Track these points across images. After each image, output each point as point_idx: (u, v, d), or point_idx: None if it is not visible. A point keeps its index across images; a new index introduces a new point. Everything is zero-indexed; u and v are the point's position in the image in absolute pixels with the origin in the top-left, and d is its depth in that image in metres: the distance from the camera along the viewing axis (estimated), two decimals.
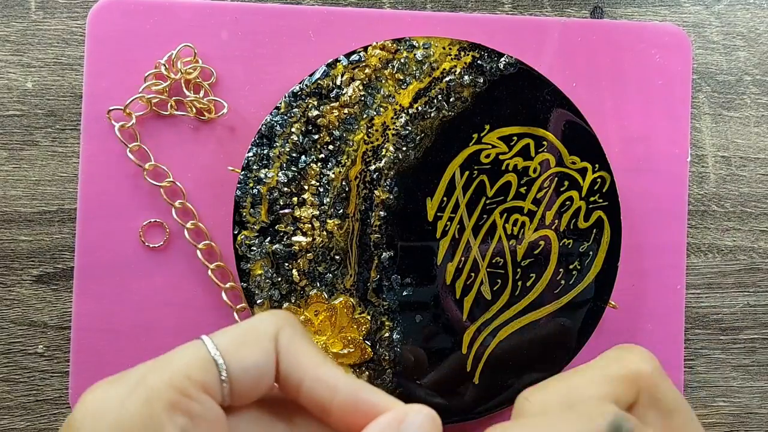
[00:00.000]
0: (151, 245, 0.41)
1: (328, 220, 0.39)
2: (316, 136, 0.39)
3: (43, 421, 0.41)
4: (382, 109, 0.39)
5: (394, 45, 0.39)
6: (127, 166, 0.41)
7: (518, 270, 0.39)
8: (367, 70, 0.39)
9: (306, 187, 0.39)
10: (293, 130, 0.39)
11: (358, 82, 0.39)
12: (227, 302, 0.40)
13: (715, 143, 0.44)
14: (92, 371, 0.40)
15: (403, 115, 0.39)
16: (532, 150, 0.39)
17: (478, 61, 0.39)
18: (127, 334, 0.40)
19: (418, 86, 0.39)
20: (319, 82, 0.39)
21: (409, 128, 0.39)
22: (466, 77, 0.39)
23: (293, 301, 0.38)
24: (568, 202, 0.40)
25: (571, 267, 0.40)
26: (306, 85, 0.39)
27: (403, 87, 0.39)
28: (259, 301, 0.38)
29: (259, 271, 0.38)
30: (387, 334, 0.39)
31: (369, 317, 0.39)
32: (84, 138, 0.41)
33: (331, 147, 0.39)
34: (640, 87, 0.43)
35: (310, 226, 0.38)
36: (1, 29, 0.42)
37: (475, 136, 0.39)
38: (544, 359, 0.39)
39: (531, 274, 0.39)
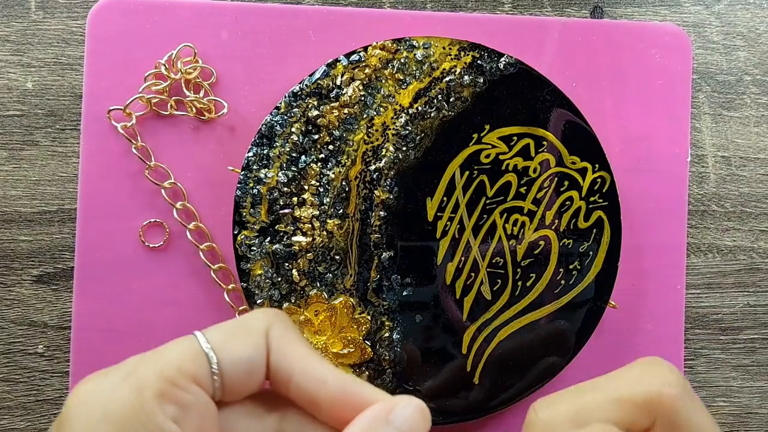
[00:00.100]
0: (151, 245, 0.41)
1: (328, 220, 0.39)
2: (316, 136, 0.39)
3: (43, 421, 0.41)
4: (382, 109, 0.39)
5: (394, 45, 0.39)
6: (127, 166, 0.40)
7: (518, 270, 0.39)
8: (367, 70, 0.39)
9: (306, 187, 0.39)
10: (293, 130, 0.39)
11: (358, 82, 0.39)
12: (230, 303, 0.40)
13: (715, 143, 0.44)
14: (92, 371, 0.40)
15: (403, 115, 0.39)
16: (532, 150, 0.39)
17: (478, 61, 0.39)
18: (127, 334, 0.40)
19: (418, 86, 0.39)
20: (319, 82, 0.39)
21: (409, 128, 0.39)
22: (466, 77, 0.39)
23: (293, 301, 0.38)
24: (568, 202, 0.40)
25: (571, 267, 0.40)
26: (306, 85, 0.39)
27: (403, 87, 0.39)
28: (259, 301, 0.38)
29: (259, 271, 0.38)
30: (387, 334, 0.39)
31: (369, 317, 0.39)
32: (84, 138, 0.41)
33: (331, 147, 0.39)
34: (640, 87, 0.43)
35: (310, 226, 0.38)
36: (1, 29, 0.42)
37: (475, 136, 0.39)
38: (545, 358, 0.39)
39: (531, 274, 0.39)
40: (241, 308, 0.40)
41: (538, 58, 0.42)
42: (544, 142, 0.39)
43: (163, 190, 0.40)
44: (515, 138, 0.39)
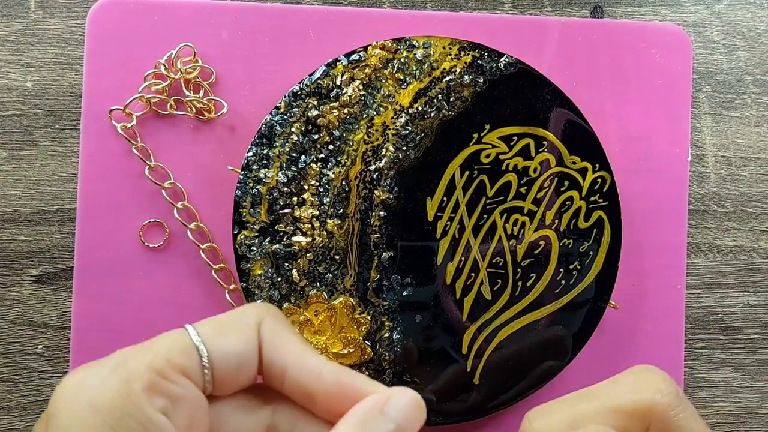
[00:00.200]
0: (150, 245, 0.41)
1: (328, 220, 0.39)
2: (316, 136, 0.39)
3: None
4: (382, 108, 0.39)
5: (394, 45, 0.39)
6: (127, 166, 0.40)
7: (518, 270, 0.39)
8: (367, 70, 0.39)
9: (306, 187, 0.39)
10: (293, 129, 0.39)
11: (358, 82, 0.39)
12: (231, 303, 0.40)
13: (716, 143, 0.44)
14: None
15: (403, 114, 0.39)
16: (532, 150, 0.39)
17: (478, 61, 0.39)
18: (127, 334, 0.40)
19: (418, 86, 0.39)
20: (319, 81, 0.39)
21: (409, 128, 0.39)
22: (466, 77, 0.39)
23: (293, 301, 0.38)
24: (568, 202, 0.40)
25: (571, 267, 0.40)
26: (306, 84, 0.39)
27: (403, 87, 0.39)
28: (258, 301, 0.38)
29: (259, 271, 0.38)
30: (387, 334, 0.39)
31: (369, 317, 0.39)
32: (84, 138, 0.41)
33: (331, 147, 0.39)
34: (640, 87, 0.43)
35: (310, 226, 0.38)
36: (1, 29, 0.42)
37: (475, 135, 0.39)
38: (545, 360, 0.39)
39: (531, 274, 0.39)
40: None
41: (539, 58, 0.42)
42: (545, 142, 0.39)
43: (163, 191, 0.40)
44: (515, 138, 0.39)
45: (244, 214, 0.38)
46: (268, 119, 0.39)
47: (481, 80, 0.39)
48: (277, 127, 0.38)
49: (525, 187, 0.39)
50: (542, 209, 0.39)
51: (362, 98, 0.39)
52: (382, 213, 0.39)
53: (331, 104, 0.39)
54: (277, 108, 0.39)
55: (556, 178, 0.40)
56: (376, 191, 0.39)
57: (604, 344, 0.42)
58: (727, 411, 0.44)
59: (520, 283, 0.39)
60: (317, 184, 0.39)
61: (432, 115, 0.39)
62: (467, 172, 0.39)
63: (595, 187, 0.40)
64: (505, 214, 0.39)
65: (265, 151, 0.38)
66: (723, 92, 0.44)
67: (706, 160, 0.44)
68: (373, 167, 0.39)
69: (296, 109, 0.39)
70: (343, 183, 0.39)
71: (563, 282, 0.39)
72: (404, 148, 0.39)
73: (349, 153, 0.39)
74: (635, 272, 0.42)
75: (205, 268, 0.40)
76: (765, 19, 0.44)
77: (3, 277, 0.41)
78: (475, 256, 0.39)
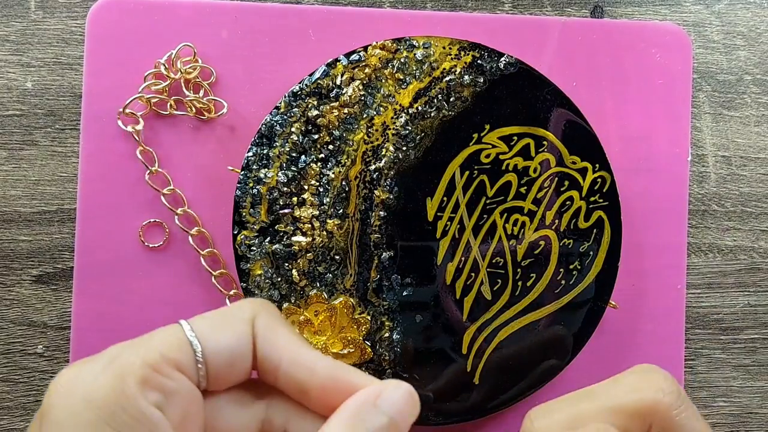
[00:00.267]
0: (150, 245, 0.41)
1: (328, 220, 0.39)
2: (316, 136, 0.39)
3: None
4: (382, 108, 0.39)
5: (394, 44, 0.39)
6: (127, 166, 0.40)
7: (518, 270, 0.39)
8: (367, 70, 0.39)
9: (306, 187, 0.39)
10: (293, 129, 0.39)
11: (358, 82, 0.39)
12: None
13: (716, 143, 0.44)
14: None
15: (403, 114, 0.39)
16: (532, 150, 0.39)
17: (478, 61, 0.39)
18: (127, 334, 0.40)
19: (418, 86, 0.39)
20: (319, 81, 0.39)
21: (409, 128, 0.39)
22: (466, 77, 0.39)
23: (293, 301, 0.38)
24: (568, 202, 0.40)
25: (571, 267, 0.40)
26: (306, 84, 0.39)
27: (403, 87, 0.39)
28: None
29: (259, 271, 0.38)
30: (387, 334, 0.39)
31: (369, 317, 0.39)
32: (83, 138, 0.41)
33: (331, 147, 0.39)
34: (640, 86, 0.43)
35: (310, 226, 0.38)
36: (1, 29, 0.42)
37: (475, 135, 0.39)
38: (545, 360, 0.39)
39: (531, 274, 0.39)
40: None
41: (538, 58, 0.42)
42: (545, 142, 0.39)
43: (162, 197, 0.40)
44: (515, 138, 0.39)
45: (244, 214, 0.38)
46: (268, 119, 0.38)
47: (481, 80, 0.39)
48: (277, 127, 0.38)
49: (525, 187, 0.39)
50: (542, 209, 0.39)
51: (362, 98, 0.39)
52: (382, 213, 0.39)
53: (331, 104, 0.39)
54: (277, 108, 0.39)
55: (556, 178, 0.40)
56: (376, 191, 0.39)
57: (604, 344, 0.42)
58: (728, 411, 0.43)
59: (520, 283, 0.39)
60: (317, 184, 0.39)
61: (432, 115, 0.39)
62: (467, 172, 0.39)
63: (595, 187, 0.40)
64: (505, 214, 0.39)
65: (265, 151, 0.38)
66: (723, 92, 0.44)
67: (706, 160, 0.44)
68: (373, 167, 0.39)
69: (296, 109, 0.39)
70: (343, 183, 0.39)
71: (563, 282, 0.39)
72: (404, 148, 0.39)
73: (349, 153, 0.39)
74: (635, 272, 0.42)
75: (208, 272, 0.40)
76: (765, 19, 0.44)
77: (3, 277, 0.41)
78: (475, 256, 0.39)
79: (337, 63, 0.39)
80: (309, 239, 0.38)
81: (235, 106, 0.41)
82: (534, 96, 0.39)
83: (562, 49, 0.42)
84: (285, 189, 0.38)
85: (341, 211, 0.39)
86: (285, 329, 0.28)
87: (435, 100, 0.39)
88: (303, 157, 0.39)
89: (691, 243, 0.43)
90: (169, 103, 0.41)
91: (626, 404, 0.27)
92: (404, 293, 0.39)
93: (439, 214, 0.39)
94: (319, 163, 0.39)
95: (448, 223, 0.39)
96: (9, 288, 0.41)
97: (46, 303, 0.41)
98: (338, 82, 0.39)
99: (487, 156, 0.39)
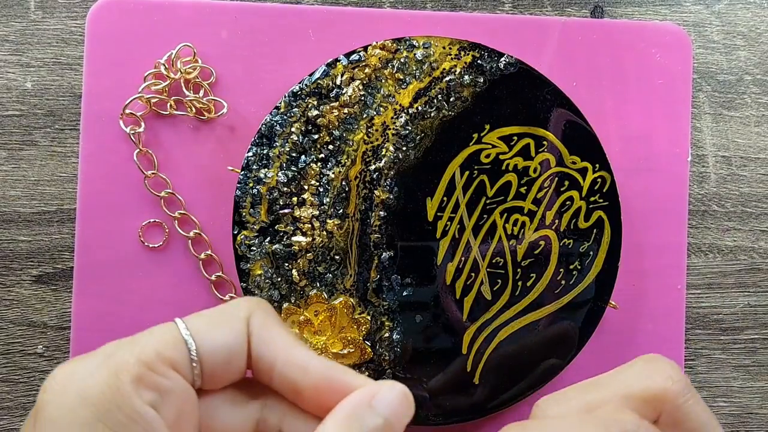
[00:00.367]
0: (150, 245, 0.41)
1: (328, 220, 0.39)
2: (316, 136, 0.39)
3: None
4: (382, 108, 0.39)
5: (394, 45, 0.39)
6: (127, 166, 0.40)
7: (518, 270, 0.39)
8: (367, 70, 0.39)
9: (306, 187, 0.39)
10: (293, 129, 0.39)
11: (358, 82, 0.39)
12: None
13: (716, 143, 0.44)
14: None
15: (403, 114, 0.39)
16: (532, 150, 0.39)
17: (478, 61, 0.39)
18: (127, 334, 0.40)
19: (418, 86, 0.39)
20: (319, 81, 0.39)
21: (409, 128, 0.39)
22: (466, 77, 0.39)
23: (293, 301, 0.38)
24: (568, 202, 0.40)
25: (571, 267, 0.39)
26: (306, 84, 0.39)
27: (403, 87, 0.39)
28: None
29: (259, 271, 0.38)
30: (387, 335, 0.39)
31: (369, 317, 0.39)
32: (83, 138, 0.41)
33: (331, 147, 0.39)
34: (640, 86, 0.43)
35: (309, 226, 0.38)
36: (1, 29, 0.42)
37: (475, 135, 0.39)
38: (545, 360, 0.39)
39: (531, 274, 0.39)
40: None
41: (538, 58, 0.42)
42: (545, 142, 0.39)
43: (162, 200, 0.40)
44: (515, 138, 0.39)
45: (244, 214, 0.38)
46: (268, 119, 0.38)
47: (481, 80, 0.39)
48: (277, 127, 0.38)
49: (525, 187, 0.39)
50: (542, 209, 0.39)
51: (362, 98, 0.39)
52: (382, 213, 0.39)
53: (331, 104, 0.39)
54: (277, 108, 0.39)
55: (556, 178, 0.40)
56: (376, 191, 0.39)
57: (604, 344, 0.42)
58: (728, 411, 0.43)
59: (520, 283, 0.39)
60: (317, 184, 0.39)
61: (432, 115, 0.39)
62: (467, 172, 0.39)
63: (595, 187, 0.40)
64: (505, 214, 0.39)
65: (265, 151, 0.38)
66: (723, 92, 0.44)
67: (706, 160, 0.44)
68: (373, 167, 0.39)
69: (296, 109, 0.39)
70: (343, 183, 0.39)
71: (563, 282, 0.39)
72: (404, 148, 0.39)
73: (349, 153, 0.39)
74: (635, 272, 0.42)
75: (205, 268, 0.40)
76: (765, 19, 0.44)
77: (3, 277, 0.41)
78: (475, 256, 0.39)
79: (337, 63, 0.39)
80: (309, 239, 0.38)
81: (235, 106, 0.41)
82: (534, 96, 0.39)
83: (562, 49, 0.42)
84: (285, 189, 0.38)
85: (341, 211, 0.39)
86: (280, 329, 0.28)
87: (435, 100, 0.39)
88: (303, 157, 0.39)
89: (691, 243, 0.43)
90: (169, 103, 0.41)
91: (637, 392, 0.27)
92: (404, 293, 0.39)
93: (439, 214, 0.39)
94: (319, 163, 0.39)
95: (448, 223, 0.39)
96: (9, 288, 0.41)
97: (46, 303, 0.41)
98: (338, 82, 0.39)
99: (487, 156, 0.39)
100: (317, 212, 0.38)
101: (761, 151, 0.44)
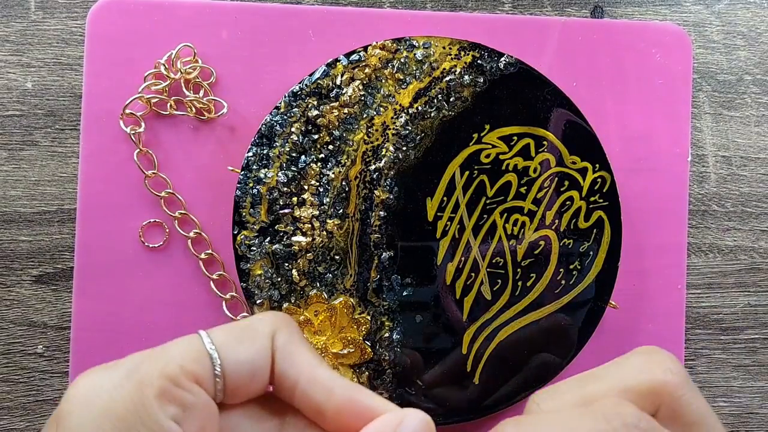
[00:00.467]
0: (150, 245, 0.41)
1: (328, 220, 0.39)
2: (316, 136, 0.39)
3: (42, 421, 0.41)
4: (382, 108, 0.39)
5: (394, 45, 0.39)
6: (127, 166, 0.40)
7: (518, 270, 0.39)
8: (367, 70, 0.39)
9: (306, 187, 0.39)
10: (293, 129, 0.39)
11: (358, 82, 0.39)
12: (228, 315, 0.40)
13: (716, 143, 0.44)
14: None
15: (403, 114, 0.39)
16: (532, 150, 0.39)
17: (479, 61, 0.39)
18: (127, 334, 0.40)
19: (418, 86, 0.39)
20: (319, 81, 0.39)
21: (409, 128, 0.39)
22: (466, 77, 0.39)
23: (293, 301, 0.38)
24: (568, 202, 0.40)
25: (571, 267, 0.39)
26: (306, 84, 0.39)
27: (403, 87, 0.39)
28: (258, 301, 0.38)
29: (259, 271, 0.38)
30: (387, 335, 0.39)
31: (369, 317, 0.39)
32: (83, 138, 0.41)
33: (331, 147, 0.39)
34: (640, 86, 0.43)
35: (310, 226, 0.38)
36: (1, 29, 0.42)
37: (475, 135, 0.39)
38: (545, 359, 0.39)
39: (531, 274, 0.39)
40: (239, 316, 0.40)
41: (539, 58, 0.42)
42: (545, 142, 0.39)
43: (162, 200, 0.40)
44: (515, 138, 0.39)
45: (244, 214, 0.38)
46: (268, 119, 0.38)
47: (481, 80, 0.39)
48: (277, 127, 0.38)
49: (525, 187, 0.39)
50: (542, 209, 0.39)
51: (362, 98, 0.39)
52: (382, 213, 0.39)
53: (331, 104, 0.39)
54: (277, 108, 0.39)
55: (556, 178, 0.40)
56: (376, 191, 0.39)
57: (604, 344, 0.42)
58: (728, 411, 0.43)
59: (520, 283, 0.39)
60: (317, 184, 0.39)
61: (432, 115, 0.39)
62: (467, 172, 0.39)
63: (595, 187, 0.40)
64: (505, 214, 0.39)
65: (265, 151, 0.38)
66: (723, 92, 0.44)
67: (706, 160, 0.44)
68: (373, 167, 0.39)
69: (296, 109, 0.39)
70: (343, 183, 0.39)
71: (563, 282, 0.39)
72: (404, 148, 0.39)
73: (349, 153, 0.39)
74: (635, 272, 0.42)
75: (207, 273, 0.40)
76: (765, 19, 0.44)
77: (3, 277, 0.41)
78: (475, 256, 0.39)
79: (337, 63, 0.39)
80: (309, 239, 0.38)
81: (235, 106, 0.41)
82: (534, 96, 0.39)
83: (562, 49, 0.42)
84: (285, 189, 0.38)
85: (341, 211, 0.39)
86: (305, 347, 0.28)
87: (435, 100, 0.39)
88: (303, 157, 0.39)
89: (691, 243, 0.43)
90: (169, 104, 0.41)
91: (636, 384, 0.26)
92: (404, 293, 0.39)
93: (439, 214, 0.39)
94: (319, 163, 0.39)
95: (448, 223, 0.39)
96: (9, 288, 0.41)
97: (46, 303, 0.41)
98: (338, 82, 0.39)
99: (487, 156, 0.39)
100: (317, 212, 0.38)
101: (761, 151, 0.44)
